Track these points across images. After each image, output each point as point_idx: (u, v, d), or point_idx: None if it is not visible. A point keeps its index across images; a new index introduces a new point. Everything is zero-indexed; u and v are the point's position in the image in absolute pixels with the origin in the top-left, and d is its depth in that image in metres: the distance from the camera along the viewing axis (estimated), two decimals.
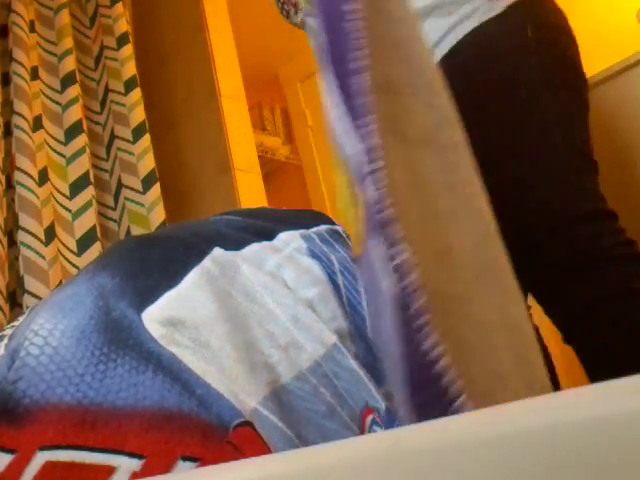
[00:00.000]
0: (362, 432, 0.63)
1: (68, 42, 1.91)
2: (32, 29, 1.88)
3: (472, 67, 0.95)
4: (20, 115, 1.68)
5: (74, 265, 1.62)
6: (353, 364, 0.66)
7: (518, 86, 0.94)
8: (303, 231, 0.79)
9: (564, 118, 0.94)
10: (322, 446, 0.45)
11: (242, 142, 1.99)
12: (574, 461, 0.27)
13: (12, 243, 1.61)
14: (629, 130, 1.61)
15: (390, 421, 0.65)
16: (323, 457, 0.37)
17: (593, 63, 2.02)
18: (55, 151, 1.76)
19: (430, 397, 0.43)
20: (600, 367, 0.89)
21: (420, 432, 0.37)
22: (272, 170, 2.86)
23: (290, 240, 0.76)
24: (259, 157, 2.11)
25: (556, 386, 1.11)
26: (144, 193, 1.79)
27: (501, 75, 0.94)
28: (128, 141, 1.87)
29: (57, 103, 1.83)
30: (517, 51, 0.92)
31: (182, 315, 0.62)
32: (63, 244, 1.64)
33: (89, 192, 1.72)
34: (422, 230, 0.50)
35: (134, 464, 0.52)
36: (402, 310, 0.44)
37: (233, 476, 0.40)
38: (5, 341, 0.63)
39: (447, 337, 0.45)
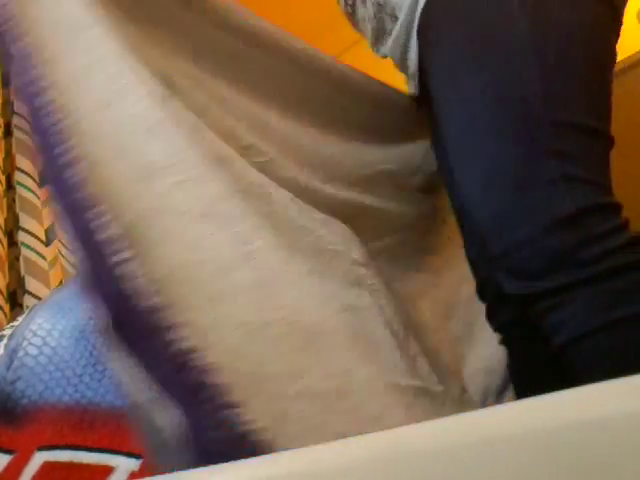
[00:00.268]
0: None
1: None
2: None
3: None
4: (20, 115, 1.68)
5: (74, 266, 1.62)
6: None
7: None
8: None
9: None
10: (322, 446, 0.45)
11: None
12: (574, 460, 0.27)
13: (12, 243, 1.61)
14: (629, 130, 1.60)
15: None
16: (323, 457, 0.37)
17: None
18: None
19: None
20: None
21: (420, 432, 0.37)
22: None
23: None
24: None
25: None
26: None
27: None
28: None
29: None
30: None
31: None
32: (64, 245, 1.63)
33: None
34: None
35: (132, 464, 0.52)
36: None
37: (233, 476, 0.40)
38: (5, 341, 0.63)
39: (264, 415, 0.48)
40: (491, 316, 0.81)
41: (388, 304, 0.77)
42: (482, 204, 0.75)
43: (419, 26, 0.84)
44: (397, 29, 0.88)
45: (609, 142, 0.80)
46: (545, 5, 0.77)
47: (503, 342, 0.81)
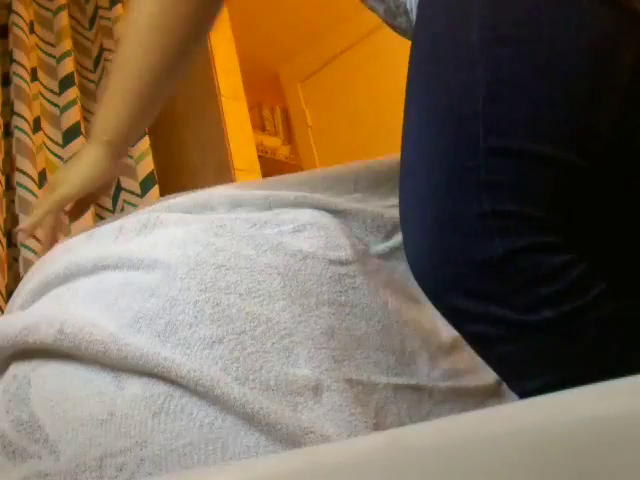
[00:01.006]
0: None
1: (67, 44, 1.90)
2: (31, 30, 1.87)
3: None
4: (20, 116, 1.68)
5: None
6: None
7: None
8: None
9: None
10: (322, 446, 0.45)
11: (242, 142, 1.99)
12: (574, 460, 0.27)
13: (11, 244, 1.61)
14: None
15: None
16: (323, 457, 0.37)
17: None
18: (53, 153, 1.76)
19: None
20: None
21: (420, 432, 0.37)
22: (272, 170, 2.86)
23: None
24: (259, 157, 2.11)
25: None
26: (142, 196, 1.79)
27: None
28: None
29: (55, 105, 1.83)
30: None
31: None
32: None
33: None
34: None
35: None
36: None
37: (233, 476, 0.40)
38: None
39: None
40: None
41: (375, 301, 0.78)
42: (405, 238, 0.67)
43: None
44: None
45: (574, 172, 0.65)
46: (508, 16, 0.67)
47: None
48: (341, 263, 0.78)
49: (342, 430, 0.64)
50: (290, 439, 0.61)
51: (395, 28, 0.93)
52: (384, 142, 1.46)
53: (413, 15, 0.79)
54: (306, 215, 0.82)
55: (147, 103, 0.89)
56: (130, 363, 0.63)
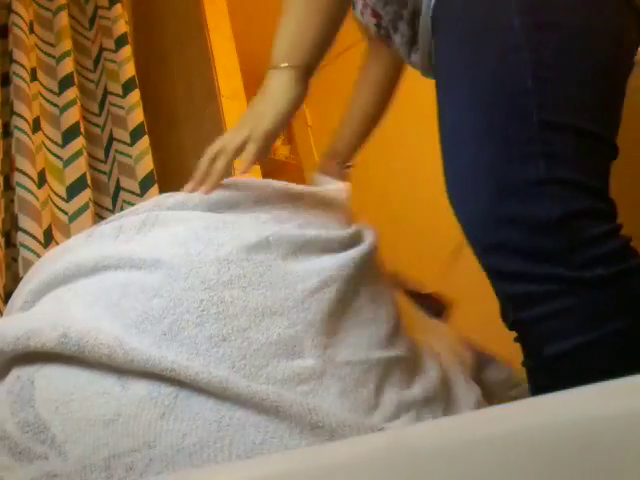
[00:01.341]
0: None
1: (67, 44, 1.90)
2: (31, 30, 1.87)
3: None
4: (20, 116, 1.68)
5: None
6: None
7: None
8: None
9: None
10: (322, 446, 0.45)
11: None
12: (574, 460, 0.27)
13: (9, 244, 1.61)
14: (628, 130, 1.60)
15: None
16: (323, 456, 0.37)
17: None
18: (52, 153, 1.75)
19: None
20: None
21: (420, 432, 0.37)
22: (272, 170, 2.85)
23: None
24: None
25: None
26: (142, 195, 1.79)
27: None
28: (126, 143, 1.87)
29: (55, 105, 1.83)
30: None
31: None
32: None
33: (86, 195, 1.72)
34: None
35: None
36: None
37: (233, 476, 0.40)
38: None
39: None
40: (502, 314, 0.80)
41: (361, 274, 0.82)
42: (459, 205, 0.74)
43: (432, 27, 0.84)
44: (420, 32, 0.88)
45: (609, 149, 0.76)
46: (545, 3, 0.74)
47: (516, 340, 0.79)
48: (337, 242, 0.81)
49: (348, 417, 0.64)
50: (302, 428, 0.62)
51: (390, 44, 0.98)
52: (384, 141, 1.46)
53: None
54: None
55: (328, 21, 0.88)
56: (136, 366, 0.63)
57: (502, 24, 0.73)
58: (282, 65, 0.86)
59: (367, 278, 0.81)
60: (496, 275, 0.71)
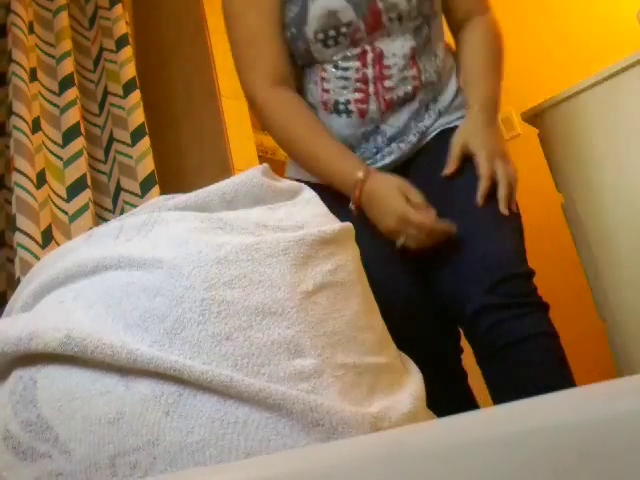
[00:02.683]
0: None
1: (67, 44, 1.90)
2: (31, 31, 1.87)
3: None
4: (19, 116, 1.68)
5: None
6: None
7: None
8: None
9: None
10: (322, 446, 0.45)
11: (242, 142, 1.99)
12: (574, 460, 0.27)
13: (3, 244, 1.61)
14: (628, 129, 1.61)
15: None
16: (323, 457, 0.37)
17: (593, 63, 2.02)
18: (53, 153, 1.75)
19: None
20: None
21: (420, 432, 0.37)
22: (272, 170, 2.85)
23: None
24: (259, 157, 2.10)
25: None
26: (142, 196, 1.79)
27: None
28: (126, 144, 1.87)
29: (55, 105, 1.83)
30: None
31: None
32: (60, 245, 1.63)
33: (86, 195, 1.72)
34: None
35: None
36: None
37: (233, 476, 0.40)
38: None
39: None
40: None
41: (355, 278, 0.83)
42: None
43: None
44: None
45: None
46: None
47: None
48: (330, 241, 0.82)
49: (344, 420, 0.65)
50: (303, 425, 0.62)
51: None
52: None
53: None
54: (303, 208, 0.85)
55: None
56: (140, 366, 0.63)
57: None
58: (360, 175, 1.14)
59: (360, 286, 0.83)
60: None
